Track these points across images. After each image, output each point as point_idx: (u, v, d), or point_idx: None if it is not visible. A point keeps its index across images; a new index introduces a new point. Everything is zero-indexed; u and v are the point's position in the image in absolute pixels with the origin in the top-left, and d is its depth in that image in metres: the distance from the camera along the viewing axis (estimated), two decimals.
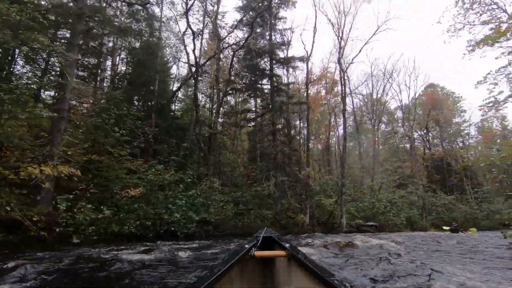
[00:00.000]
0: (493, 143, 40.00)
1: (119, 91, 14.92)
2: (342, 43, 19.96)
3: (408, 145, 45.04)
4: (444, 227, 18.33)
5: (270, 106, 18.16)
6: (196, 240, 10.23)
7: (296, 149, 19.40)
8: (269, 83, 18.95)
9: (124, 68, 20.74)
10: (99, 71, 16.22)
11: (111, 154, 11.20)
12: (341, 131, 28.73)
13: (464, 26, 20.57)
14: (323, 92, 34.69)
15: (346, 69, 20.68)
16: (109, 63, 19.03)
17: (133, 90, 18.11)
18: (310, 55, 19.70)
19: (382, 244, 8.46)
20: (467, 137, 38.69)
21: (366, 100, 38.75)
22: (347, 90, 27.79)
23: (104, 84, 17.44)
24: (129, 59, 20.73)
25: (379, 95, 35.80)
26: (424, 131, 39.43)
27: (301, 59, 19.04)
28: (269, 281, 2.24)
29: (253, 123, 20.32)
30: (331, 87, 29.92)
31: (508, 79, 15.82)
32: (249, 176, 19.30)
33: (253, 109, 21.96)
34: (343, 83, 19.82)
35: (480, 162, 21.17)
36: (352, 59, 21.22)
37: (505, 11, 17.95)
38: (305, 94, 20.52)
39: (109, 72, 18.90)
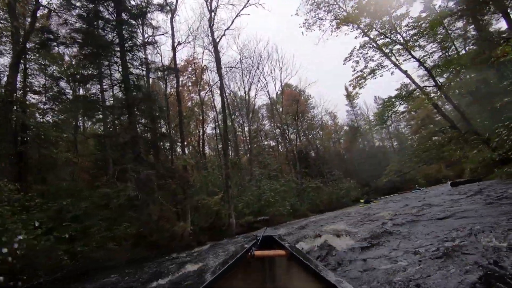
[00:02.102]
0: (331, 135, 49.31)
1: None
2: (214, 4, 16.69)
3: (272, 142, 48.36)
4: (361, 200, 20.66)
5: (121, 69, 12.17)
6: None
7: (165, 133, 14.06)
8: (116, 40, 12.85)
9: None
10: None
11: None
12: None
13: (316, 21, 22.31)
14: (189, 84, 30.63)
15: (218, 41, 17.49)
16: None
17: None
18: (175, 9, 15.16)
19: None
20: (319, 128, 44.82)
21: (233, 96, 37.69)
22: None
23: None
24: None
25: (246, 89, 35.28)
26: (285, 126, 42.76)
27: (162, 7, 13.88)
28: (269, 281, 2.14)
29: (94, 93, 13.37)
30: (200, 73, 26.26)
31: (365, 58, 17.36)
32: (95, 175, 12.43)
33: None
34: (216, 56, 16.43)
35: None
36: (225, 30, 18.36)
37: (344, 10, 20.21)
38: (171, 58, 15.59)
39: None
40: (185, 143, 28.32)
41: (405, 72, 18.35)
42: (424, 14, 18.20)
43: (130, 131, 11.63)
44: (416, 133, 53.54)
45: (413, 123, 52.86)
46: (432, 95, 17.60)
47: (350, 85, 17.88)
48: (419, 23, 15.18)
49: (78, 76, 13.92)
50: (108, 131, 14.00)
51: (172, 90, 17.64)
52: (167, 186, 11.88)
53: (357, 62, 17.17)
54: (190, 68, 28.91)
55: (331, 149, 46.35)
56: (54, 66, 14.71)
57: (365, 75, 16.85)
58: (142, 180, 10.58)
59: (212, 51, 20.87)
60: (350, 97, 50.70)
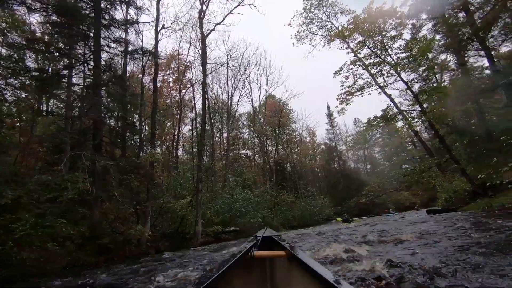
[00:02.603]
0: (307, 152, 49.34)
1: None
2: None
3: (249, 152, 47.36)
4: (338, 218, 19.43)
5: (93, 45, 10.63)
6: None
7: (133, 123, 12.46)
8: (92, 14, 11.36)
9: None
10: None
11: None
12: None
13: (308, 35, 22.23)
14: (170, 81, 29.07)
15: (207, 34, 16.39)
16: None
17: None
18: None
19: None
20: (298, 143, 44.56)
21: (215, 100, 36.40)
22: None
23: None
24: None
25: (229, 94, 34.28)
26: (264, 137, 42.07)
27: None
28: (269, 282, 2.16)
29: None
30: (183, 70, 24.94)
31: (354, 76, 17.15)
32: (49, 163, 10.58)
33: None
34: (203, 50, 15.31)
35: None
36: (215, 25, 17.32)
37: (337, 28, 20.30)
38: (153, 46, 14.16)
39: None
40: (156, 138, 26.57)
41: (389, 96, 18.40)
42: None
43: (93, 114, 10.06)
44: (388, 159, 55.66)
45: (386, 149, 54.75)
46: (416, 120, 17.76)
47: (337, 99, 17.59)
48: (410, 46, 15.25)
49: (43, 48, 12.16)
50: (69, 113, 12.26)
51: (149, 79, 16.04)
52: (128, 183, 10.32)
53: (347, 78, 16.97)
54: (173, 64, 27.48)
55: (307, 165, 46.22)
56: (14, 33, 12.86)
57: (353, 90, 16.60)
58: (98, 172, 9.01)
59: (199, 47, 19.84)
60: (331, 116, 51.57)
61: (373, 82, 16.36)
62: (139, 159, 11.55)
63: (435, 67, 18.96)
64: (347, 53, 17.63)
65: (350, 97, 16.87)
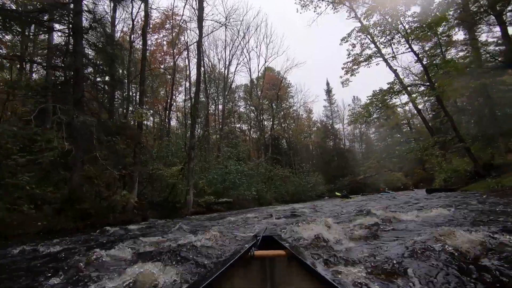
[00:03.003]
0: (303, 129, 48.59)
1: None
2: None
3: (244, 126, 46.33)
4: (337, 193, 19.56)
5: None
6: None
7: (119, 78, 11.04)
8: None
9: None
10: None
11: None
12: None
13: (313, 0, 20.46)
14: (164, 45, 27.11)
15: None
16: None
17: None
18: None
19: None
20: (294, 118, 43.62)
21: (212, 68, 34.51)
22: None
23: None
24: None
25: (227, 63, 32.54)
26: (260, 111, 40.87)
27: None
28: (269, 281, 2.00)
29: None
30: (178, 32, 23.12)
31: (361, 44, 15.91)
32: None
33: None
34: (200, 4, 13.71)
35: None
36: None
37: None
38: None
39: None
40: (147, 105, 25.24)
41: (394, 71, 17.28)
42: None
43: (73, 65, 8.82)
44: (383, 140, 55.55)
45: (382, 130, 54.40)
46: (420, 97, 16.86)
47: (343, 68, 16.44)
48: (425, 16, 13.97)
49: None
50: (51, 64, 10.90)
51: (139, 33, 14.29)
52: (112, 145, 9.36)
53: (354, 46, 15.74)
54: (168, 25, 25.45)
55: (302, 142, 45.65)
56: None
57: (361, 59, 15.44)
58: (77, 129, 7.99)
59: (195, 5, 18.08)
60: (330, 92, 50.34)
61: (383, 51, 15.18)
62: (125, 118, 10.50)
63: (443, 43, 17.75)
64: (353, 22, 16.24)
65: (356, 67, 15.77)
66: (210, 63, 33.28)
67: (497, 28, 16.16)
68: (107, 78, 10.31)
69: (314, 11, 20.64)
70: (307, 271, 1.61)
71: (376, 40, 16.40)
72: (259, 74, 39.18)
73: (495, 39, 17.93)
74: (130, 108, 11.35)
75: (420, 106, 24.74)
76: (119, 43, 10.81)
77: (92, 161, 9.99)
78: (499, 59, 15.67)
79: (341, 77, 16.70)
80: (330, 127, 49.39)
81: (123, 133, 9.70)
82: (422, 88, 15.13)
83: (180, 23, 21.69)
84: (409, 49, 14.86)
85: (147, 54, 27.45)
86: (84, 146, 8.82)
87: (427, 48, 15.94)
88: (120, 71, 11.21)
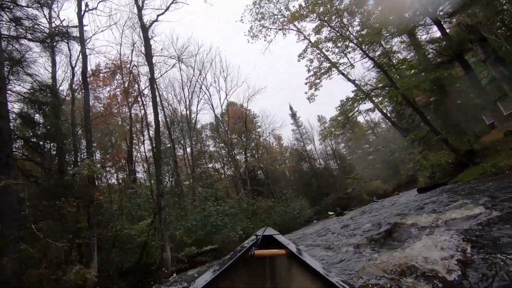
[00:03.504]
0: (276, 157, 48.11)
1: None
2: None
3: (217, 165, 44.70)
4: (330, 213, 19.25)
5: None
6: None
7: (56, 130, 9.11)
8: None
9: None
10: None
11: None
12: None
13: (261, 30, 21.07)
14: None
15: (149, 26, 13.80)
16: None
17: None
18: None
19: None
20: (266, 147, 43.07)
21: (172, 111, 33.26)
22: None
23: None
24: None
25: (187, 103, 31.72)
26: (230, 146, 39.78)
27: None
28: (269, 280, 2.09)
29: None
30: (129, 78, 22.07)
31: (318, 59, 16.06)
32: None
33: None
34: (145, 37, 12.86)
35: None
36: (157, 16, 14.78)
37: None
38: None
39: None
40: (110, 162, 22.96)
41: (353, 82, 17.63)
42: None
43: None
44: (353, 153, 56.88)
45: (350, 144, 55.86)
46: (384, 100, 17.08)
47: (306, 84, 16.30)
48: (371, 22, 14.56)
49: None
50: None
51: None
52: (55, 210, 7.44)
53: (311, 60, 15.80)
54: (118, 75, 24.34)
55: (277, 170, 44.77)
56: None
57: (322, 71, 15.42)
58: (2, 200, 6.12)
59: (142, 47, 17.40)
60: (295, 116, 51.32)
61: (341, 60, 15.35)
62: (74, 176, 8.69)
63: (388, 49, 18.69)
64: (303, 43, 16.57)
65: (318, 81, 15.74)
66: (170, 107, 32.18)
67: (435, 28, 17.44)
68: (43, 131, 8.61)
69: (265, 40, 21.13)
70: (307, 270, 1.57)
71: (331, 51, 16.74)
72: (223, 110, 38.76)
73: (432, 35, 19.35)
74: (79, 162, 9.55)
75: (387, 107, 25.60)
76: (54, 89, 9.33)
77: (32, 235, 7.89)
78: (445, 53, 16.65)
79: (305, 92, 16.63)
80: (302, 150, 49.50)
81: (70, 193, 7.86)
82: (385, 90, 15.28)
83: (131, 69, 20.69)
84: (364, 56, 15.18)
85: (101, 108, 26.17)
86: (15, 220, 6.85)
87: (378, 53, 16.52)
88: (61, 123, 9.57)
